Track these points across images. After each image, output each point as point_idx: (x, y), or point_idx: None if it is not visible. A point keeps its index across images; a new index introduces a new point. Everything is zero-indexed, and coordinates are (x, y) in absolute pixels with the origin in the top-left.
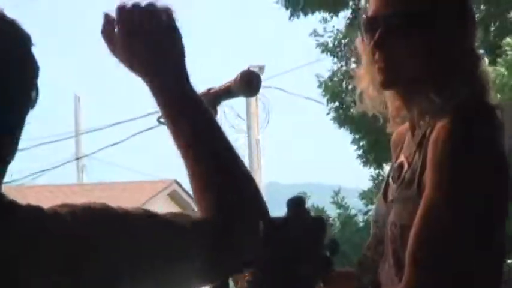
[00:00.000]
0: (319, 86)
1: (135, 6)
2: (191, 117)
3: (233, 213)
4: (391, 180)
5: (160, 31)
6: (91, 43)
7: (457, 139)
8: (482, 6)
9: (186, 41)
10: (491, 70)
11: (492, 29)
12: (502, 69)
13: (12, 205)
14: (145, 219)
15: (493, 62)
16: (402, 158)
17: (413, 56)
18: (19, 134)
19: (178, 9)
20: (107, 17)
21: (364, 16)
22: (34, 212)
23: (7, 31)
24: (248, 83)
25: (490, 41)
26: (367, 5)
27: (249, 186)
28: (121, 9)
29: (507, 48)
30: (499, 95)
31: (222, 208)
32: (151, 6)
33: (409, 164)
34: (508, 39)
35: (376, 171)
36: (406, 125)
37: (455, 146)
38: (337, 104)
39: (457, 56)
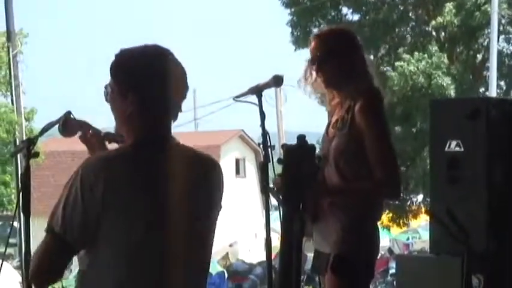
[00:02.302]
0: None
1: None
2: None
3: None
4: (330, 128)
5: None
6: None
7: (369, 108)
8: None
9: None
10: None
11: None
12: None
13: (178, 143)
14: None
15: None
16: (336, 117)
17: (335, 73)
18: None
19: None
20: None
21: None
22: (187, 148)
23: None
24: (277, 80)
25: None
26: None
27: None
28: None
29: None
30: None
31: None
32: None
33: (341, 119)
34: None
35: None
36: (335, 103)
37: (369, 111)
38: None
39: (357, 70)
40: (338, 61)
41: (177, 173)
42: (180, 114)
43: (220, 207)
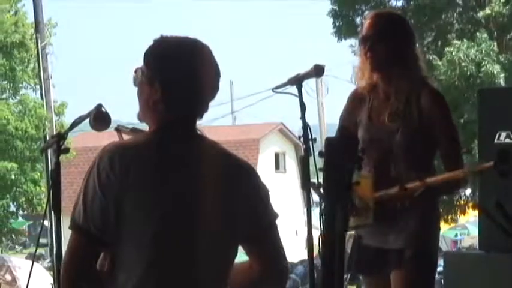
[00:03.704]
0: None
1: None
2: None
3: None
4: (386, 119)
5: None
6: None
7: (442, 100)
8: None
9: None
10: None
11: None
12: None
13: (202, 136)
14: None
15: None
16: (388, 109)
17: (387, 54)
18: None
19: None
20: None
21: (359, 35)
22: (213, 142)
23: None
24: (318, 70)
25: None
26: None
27: None
28: None
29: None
30: None
31: None
32: None
33: (403, 111)
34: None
35: None
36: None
37: (443, 103)
38: None
39: (410, 55)
40: (392, 43)
41: (199, 167)
42: (216, 106)
43: (269, 217)
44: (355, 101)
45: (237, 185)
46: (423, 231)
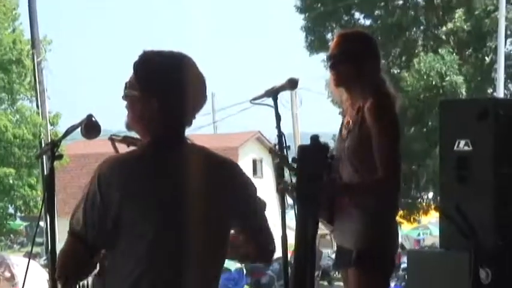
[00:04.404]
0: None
1: None
2: None
3: None
4: (343, 128)
5: None
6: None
7: (377, 108)
8: None
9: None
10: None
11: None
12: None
13: (192, 143)
14: None
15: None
16: (348, 118)
17: (347, 73)
18: None
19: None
20: None
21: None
22: (200, 147)
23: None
24: (292, 83)
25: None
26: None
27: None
28: None
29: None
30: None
31: None
32: None
33: (353, 120)
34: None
35: None
36: (348, 104)
37: (377, 111)
38: None
39: (370, 71)
40: (352, 63)
41: (191, 172)
42: (199, 117)
43: (256, 205)
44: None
45: (227, 181)
46: (365, 232)
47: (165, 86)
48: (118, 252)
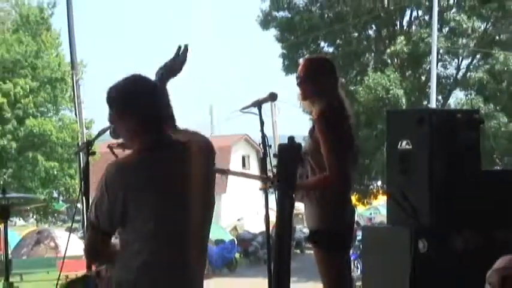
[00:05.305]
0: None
1: None
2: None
3: None
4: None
5: None
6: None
7: (319, 120)
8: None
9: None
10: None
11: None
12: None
13: (173, 138)
14: None
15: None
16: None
17: (310, 90)
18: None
19: None
20: None
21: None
22: (180, 141)
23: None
24: (272, 96)
25: None
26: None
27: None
28: None
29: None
30: None
31: None
32: None
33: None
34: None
35: None
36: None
37: (319, 122)
38: None
39: (327, 87)
40: (313, 82)
41: (178, 162)
42: (199, 122)
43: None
44: None
45: (205, 161)
46: (317, 215)
47: (131, 100)
48: (127, 235)
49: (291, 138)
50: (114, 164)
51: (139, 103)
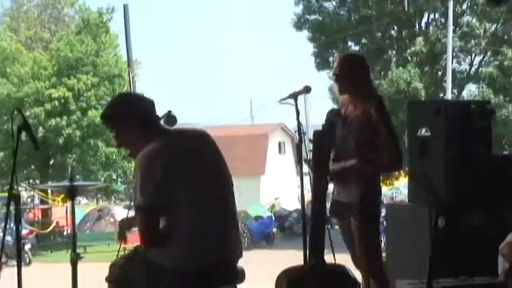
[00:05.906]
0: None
1: None
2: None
3: None
4: (349, 121)
5: None
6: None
7: (381, 110)
8: None
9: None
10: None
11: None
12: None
13: (165, 128)
14: None
15: None
16: (350, 113)
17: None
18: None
19: None
20: None
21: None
22: (177, 132)
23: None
24: (307, 89)
25: None
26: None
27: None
28: None
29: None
30: None
31: None
32: None
33: (361, 117)
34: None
35: None
36: (347, 103)
37: (381, 112)
38: None
39: (363, 81)
40: (350, 75)
41: (200, 146)
42: (241, 112)
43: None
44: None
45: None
46: (362, 192)
47: (135, 111)
48: (173, 212)
49: (325, 125)
50: (145, 153)
51: (133, 108)
